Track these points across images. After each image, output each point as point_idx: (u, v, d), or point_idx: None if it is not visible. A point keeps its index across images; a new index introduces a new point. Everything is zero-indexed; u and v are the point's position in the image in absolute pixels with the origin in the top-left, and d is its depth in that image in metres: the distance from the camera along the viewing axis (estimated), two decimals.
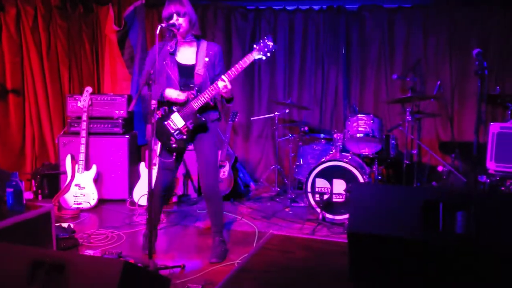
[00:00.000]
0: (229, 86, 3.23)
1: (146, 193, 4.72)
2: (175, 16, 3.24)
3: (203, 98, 3.29)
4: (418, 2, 5.60)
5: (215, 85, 3.24)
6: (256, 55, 3.26)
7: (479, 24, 5.38)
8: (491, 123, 4.37)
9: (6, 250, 2.12)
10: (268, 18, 5.94)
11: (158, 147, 3.92)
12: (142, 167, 4.99)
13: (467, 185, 4.62)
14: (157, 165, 3.67)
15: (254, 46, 3.28)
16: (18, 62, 5.13)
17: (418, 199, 1.95)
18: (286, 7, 5.93)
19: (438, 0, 5.53)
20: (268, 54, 3.27)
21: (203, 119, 3.36)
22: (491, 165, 4.23)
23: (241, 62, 3.23)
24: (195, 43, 3.42)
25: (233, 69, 3.23)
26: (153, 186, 3.23)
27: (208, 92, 3.27)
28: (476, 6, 5.37)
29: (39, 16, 5.22)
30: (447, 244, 1.71)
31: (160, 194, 3.59)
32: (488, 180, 4.23)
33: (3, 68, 5.02)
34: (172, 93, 3.36)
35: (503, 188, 4.34)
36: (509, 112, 4.52)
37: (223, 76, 3.22)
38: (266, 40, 3.26)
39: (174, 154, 3.47)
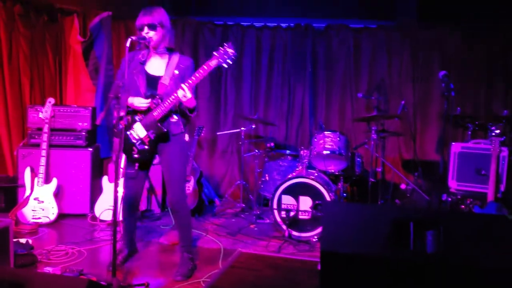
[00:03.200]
0: (188, 95, 3.17)
1: (109, 207, 4.68)
2: (146, 29, 3.21)
3: (164, 107, 3.25)
4: (383, 23, 5.76)
5: (175, 95, 3.21)
6: (215, 62, 3.19)
7: (440, 47, 5.57)
8: (453, 143, 4.50)
9: None
10: (236, 34, 5.96)
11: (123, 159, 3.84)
12: (105, 181, 4.87)
13: (430, 203, 4.72)
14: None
15: (214, 53, 3.21)
16: None
17: (387, 217, 1.97)
18: (254, 23, 5.98)
19: (401, 22, 5.71)
20: (229, 61, 3.19)
21: (165, 129, 3.32)
22: (453, 184, 4.34)
23: (200, 70, 3.18)
24: (167, 56, 3.39)
25: (192, 77, 3.19)
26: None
27: (169, 101, 3.23)
28: (437, 28, 5.57)
29: (1, 23, 5.08)
30: (420, 263, 1.73)
31: (127, 206, 3.53)
32: (450, 199, 4.34)
33: None
34: (135, 100, 3.31)
35: (463, 206, 4.46)
36: (469, 132, 4.67)
37: (182, 85, 3.18)
38: (226, 47, 3.19)
39: (137, 164, 3.41)
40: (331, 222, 1.99)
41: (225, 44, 3.20)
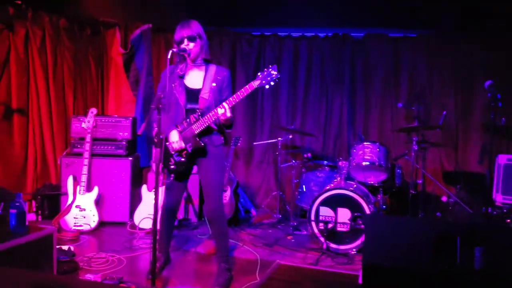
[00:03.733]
0: (228, 114, 3.23)
1: (148, 216, 4.74)
2: (185, 41, 3.28)
3: (203, 123, 3.31)
4: (423, 32, 5.65)
5: (214, 111, 3.25)
6: (258, 83, 3.24)
7: (483, 55, 5.40)
8: (499, 155, 4.35)
9: (8, 274, 2.07)
10: (273, 44, 5.98)
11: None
12: (144, 190, 4.95)
13: (473, 217, 4.57)
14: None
15: (258, 74, 3.27)
16: (24, 82, 5.13)
17: (432, 231, 1.91)
18: (292, 34, 5.98)
19: (442, 30, 5.58)
20: (272, 83, 3.25)
21: (202, 144, 3.36)
22: (498, 197, 4.19)
23: (242, 90, 3.23)
24: (204, 67, 3.44)
25: (234, 96, 3.24)
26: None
27: (209, 118, 3.28)
28: (481, 37, 5.41)
29: (47, 37, 5.26)
30: (468, 279, 1.66)
31: (165, 215, 3.58)
32: (495, 212, 4.19)
33: (9, 88, 5.02)
34: (172, 137, 3.38)
35: (508, 220, 4.29)
36: None
37: (223, 103, 3.23)
38: (270, 69, 3.25)
39: (172, 175, 3.46)
40: (373, 235, 1.94)
41: (270, 66, 3.26)
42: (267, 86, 3.25)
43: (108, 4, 5.73)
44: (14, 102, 5.06)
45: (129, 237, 4.62)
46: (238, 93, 3.22)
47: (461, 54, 5.50)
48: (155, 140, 3.32)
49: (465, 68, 5.49)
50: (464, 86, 5.51)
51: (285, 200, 5.64)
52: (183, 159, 3.41)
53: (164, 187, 3.61)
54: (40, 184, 5.24)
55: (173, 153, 3.42)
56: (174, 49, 3.20)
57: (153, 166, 4.97)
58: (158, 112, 2.92)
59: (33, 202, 5.05)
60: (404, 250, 1.92)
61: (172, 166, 3.44)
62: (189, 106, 3.40)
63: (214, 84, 3.38)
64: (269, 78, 3.24)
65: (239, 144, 5.43)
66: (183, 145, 3.36)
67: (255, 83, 3.24)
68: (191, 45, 3.29)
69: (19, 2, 4.94)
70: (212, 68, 3.45)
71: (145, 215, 4.81)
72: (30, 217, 4.91)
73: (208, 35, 3.46)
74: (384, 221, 2.04)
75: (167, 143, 3.42)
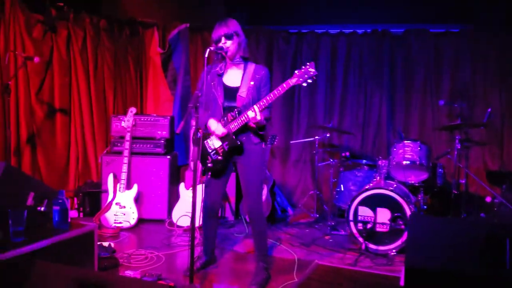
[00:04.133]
0: (258, 118, 3.20)
1: (185, 213, 4.78)
2: (223, 39, 3.28)
3: (239, 121, 3.30)
4: (466, 27, 5.47)
5: (245, 114, 3.24)
6: (295, 81, 3.19)
7: None
8: None
9: (52, 269, 2.11)
10: (310, 42, 5.91)
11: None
12: (182, 188, 4.99)
13: None
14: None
15: (295, 72, 3.21)
16: (67, 83, 5.27)
17: (479, 232, 1.84)
18: (329, 30, 5.90)
19: (486, 24, 5.39)
20: (309, 81, 3.18)
21: (239, 142, 3.35)
22: None
23: (279, 88, 3.18)
24: (242, 65, 3.43)
25: (269, 95, 3.20)
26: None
27: (243, 118, 3.27)
28: None
29: (88, 38, 5.37)
30: None
31: (205, 213, 3.62)
32: None
33: (52, 88, 5.16)
34: (212, 125, 3.39)
35: None
36: None
37: (254, 106, 3.20)
38: (308, 67, 3.18)
39: (209, 173, 3.47)
40: (417, 236, 1.88)
41: (307, 63, 3.20)
42: (304, 84, 3.19)
43: (146, 5, 5.83)
44: (57, 102, 5.20)
45: (167, 235, 4.67)
46: (275, 91, 3.19)
47: (506, 48, 5.29)
48: (194, 138, 3.35)
49: (510, 64, 5.27)
50: (509, 83, 5.29)
51: (323, 199, 5.58)
52: (220, 157, 3.41)
53: (202, 185, 3.64)
54: (82, 182, 5.36)
55: (210, 151, 3.43)
56: (212, 48, 3.20)
57: (191, 164, 5.00)
58: (195, 110, 2.93)
59: (75, 200, 5.18)
60: (448, 253, 1.85)
61: (209, 164, 3.45)
62: (226, 104, 3.41)
63: (252, 83, 3.37)
64: (306, 76, 3.18)
65: (275, 143, 5.39)
66: (225, 130, 3.34)
67: (292, 81, 3.19)
68: (229, 43, 3.29)
69: (61, 4, 5.07)
70: (251, 66, 3.43)
71: (183, 212, 4.85)
72: (72, 214, 5.03)
73: (245, 34, 3.44)
74: (428, 222, 1.97)
75: (204, 141, 3.43)
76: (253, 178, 3.44)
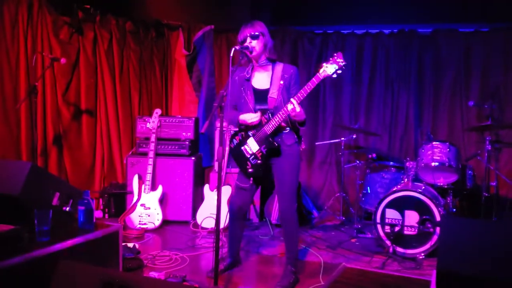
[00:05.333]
0: (297, 109, 3.15)
1: (210, 215, 4.76)
2: (248, 39, 3.25)
3: (275, 122, 3.25)
4: (496, 25, 5.32)
5: (284, 109, 3.18)
6: (325, 73, 3.14)
7: None
8: None
9: (77, 269, 2.11)
10: (336, 42, 5.84)
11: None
12: (206, 189, 4.98)
13: None
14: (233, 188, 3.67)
15: (323, 64, 3.16)
16: (93, 84, 5.32)
17: None
18: (355, 31, 5.81)
19: None
20: (339, 72, 3.13)
21: (276, 144, 3.30)
22: None
23: (309, 83, 3.14)
24: (270, 67, 3.40)
25: (302, 90, 3.16)
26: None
27: (280, 116, 3.22)
28: None
29: (114, 40, 5.42)
30: None
31: (234, 216, 3.60)
32: None
33: (79, 89, 5.22)
34: (246, 117, 3.35)
35: None
36: None
37: (292, 99, 3.16)
38: (335, 57, 3.13)
39: (251, 179, 3.43)
40: (449, 239, 1.81)
41: (334, 54, 3.15)
42: (334, 75, 3.14)
43: (171, 7, 5.84)
44: (83, 103, 5.25)
45: (191, 236, 4.66)
46: (306, 86, 3.14)
47: None
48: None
49: None
50: None
51: (349, 202, 5.49)
52: (259, 161, 3.36)
53: (228, 186, 3.61)
54: (107, 183, 5.41)
55: (249, 156, 3.39)
56: (237, 47, 3.17)
57: (216, 165, 4.98)
58: (221, 110, 2.90)
59: (100, 200, 5.22)
60: (482, 256, 1.77)
61: (250, 170, 3.40)
62: (258, 107, 3.37)
63: (281, 82, 3.33)
64: (336, 66, 3.12)
65: (301, 144, 5.33)
66: (258, 118, 3.30)
67: (322, 73, 3.14)
68: (254, 42, 3.26)
69: (88, 6, 5.13)
70: (279, 66, 3.40)
71: (207, 214, 4.84)
72: (97, 214, 5.07)
73: (270, 35, 3.40)
74: (460, 223, 1.89)
75: (242, 148, 3.40)
76: (288, 180, 3.39)
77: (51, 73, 4.92)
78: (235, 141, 3.44)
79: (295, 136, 3.42)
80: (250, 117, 3.33)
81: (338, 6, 5.40)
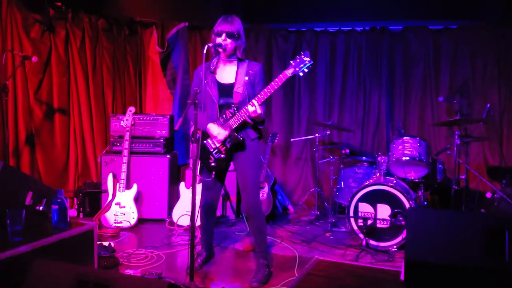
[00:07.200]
0: (258, 111, 3.18)
1: (186, 213, 4.77)
2: (224, 35, 3.25)
3: (239, 118, 3.28)
4: (465, 23, 5.46)
5: (245, 109, 3.23)
6: (291, 72, 3.20)
7: None
8: None
9: (52, 267, 2.11)
10: (309, 40, 5.91)
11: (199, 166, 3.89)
12: (182, 187, 4.98)
13: None
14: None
15: (291, 62, 3.23)
16: (65, 82, 5.26)
17: (480, 226, 1.83)
18: (328, 28, 5.89)
19: (485, 21, 5.37)
20: (305, 70, 3.20)
21: (240, 138, 3.33)
22: None
23: (276, 80, 3.19)
24: (236, 62, 3.41)
25: (267, 87, 3.20)
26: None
27: (242, 114, 3.26)
28: None
29: (87, 38, 5.37)
30: None
31: (204, 212, 3.60)
32: None
33: (51, 88, 5.14)
34: (213, 130, 3.36)
35: None
36: None
37: (253, 100, 3.20)
38: (302, 56, 3.20)
39: (214, 173, 3.45)
40: (416, 230, 1.87)
41: (302, 52, 3.22)
42: (301, 74, 3.20)
43: (145, 4, 5.81)
44: (55, 102, 5.18)
45: (167, 234, 4.66)
46: (272, 84, 3.18)
47: (505, 45, 5.28)
48: (192, 138, 3.33)
49: (510, 60, 5.27)
50: (508, 78, 5.29)
51: (323, 196, 5.57)
52: (223, 156, 3.39)
53: (201, 184, 3.61)
54: (81, 182, 5.35)
55: (212, 150, 3.40)
56: (210, 44, 3.18)
57: (191, 163, 4.99)
58: (194, 107, 2.92)
59: (75, 200, 5.17)
60: (448, 245, 1.84)
61: (213, 164, 3.42)
62: (222, 101, 3.38)
63: (246, 78, 3.35)
64: (302, 65, 3.19)
65: (276, 141, 5.39)
66: (226, 133, 3.32)
67: (289, 72, 3.20)
68: (228, 41, 3.26)
69: (59, 4, 5.06)
70: (245, 63, 3.42)
71: (183, 212, 4.84)
72: (71, 213, 5.02)
73: (244, 32, 3.43)
74: (427, 215, 1.96)
75: (204, 141, 3.40)
76: (250, 174, 3.42)
77: (22, 71, 4.84)
78: (197, 135, 3.43)
79: (257, 132, 3.46)
80: (217, 132, 3.34)
81: (311, 4, 5.45)
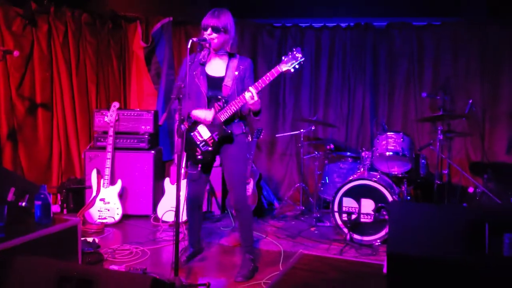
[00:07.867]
0: (255, 98, 3.19)
1: (171, 209, 4.76)
2: (209, 30, 3.24)
3: (229, 110, 3.28)
4: (448, 19, 5.52)
5: (241, 97, 3.22)
6: (284, 67, 3.22)
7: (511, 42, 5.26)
8: None
9: (34, 263, 2.09)
10: (294, 35, 5.91)
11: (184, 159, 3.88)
12: (167, 183, 4.97)
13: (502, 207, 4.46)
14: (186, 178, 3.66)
15: (283, 58, 3.25)
16: (48, 77, 5.19)
17: (461, 219, 1.86)
18: (313, 24, 5.90)
19: (468, 18, 5.44)
20: (297, 66, 3.23)
21: (229, 131, 3.33)
22: None
23: (268, 74, 3.20)
24: (226, 57, 3.41)
25: (260, 81, 3.21)
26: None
27: (235, 104, 3.26)
28: (508, 24, 5.26)
29: (70, 32, 5.30)
30: (496, 267, 1.61)
31: (190, 207, 3.60)
32: None
33: (33, 83, 5.07)
34: (200, 114, 3.35)
35: None
36: None
37: (250, 88, 3.20)
38: (294, 52, 3.22)
39: (200, 165, 3.44)
40: (398, 223, 1.90)
41: (294, 49, 3.24)
42: (292, 70, 3.23)
43: None
44: (38, 97, 5.12)
45: (152, 230, 4.65)
46: (264, 77, 3.19)
47: (488, 42, 5.35)
48: (178, 131, 3.31)
49: (492, 57, 5.34)
50: (490, 75, 5.36)
51: (308, 192, 5.60)
52: (210, 148, 3.38)
53: (186, 179, 3.61)
54: (65, 178, 5.30)
55: (199, 143, 3.39)
56: (194, 39, 3.17)
57: (176, 158, 4.98)
58: (179, 102, 2.91)
59: (58, 196, 5.12)
60: (430, 238, 1.87)
61: (199, 157, 3.40)
62: (210, 93, 3.37)
63: (236, 73, 3.36)
64: (294, 61, 3.21)
65: (261, 136, 5.39)
66: (210, 116, 3.31)
67: (281, 67, 3.21)
68: (214, 35, 3.25)
69: None
70: (235, 57, 3.43)
71: (168, 208, 4.83)
72: (55, 208, 4.97)
73: (234, 31, 3.41)
74: (409, 209, 1.99)
75: (191, 134, 3.39)
76: (237, 169, 3.43)
77: (3, 66, 4.76)
78: (183, 127, 3.42)
79: (243, 127, 3.46)
80: (204, 115, 3.33)
81: None
